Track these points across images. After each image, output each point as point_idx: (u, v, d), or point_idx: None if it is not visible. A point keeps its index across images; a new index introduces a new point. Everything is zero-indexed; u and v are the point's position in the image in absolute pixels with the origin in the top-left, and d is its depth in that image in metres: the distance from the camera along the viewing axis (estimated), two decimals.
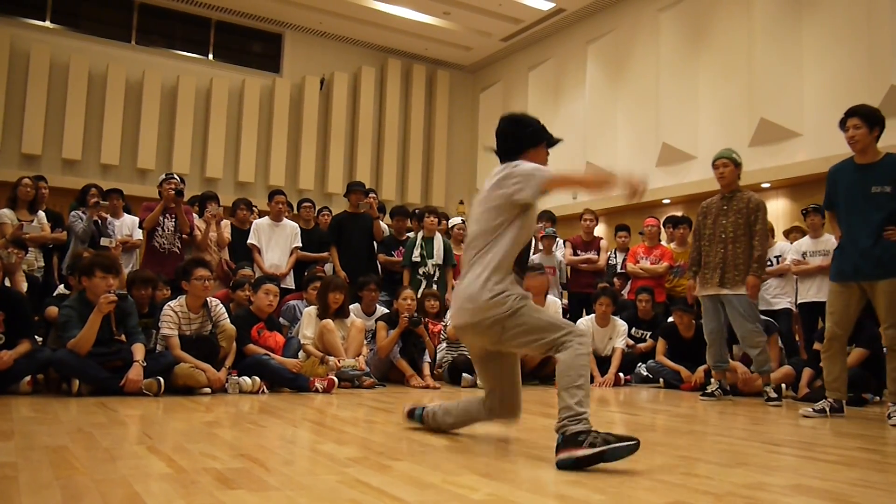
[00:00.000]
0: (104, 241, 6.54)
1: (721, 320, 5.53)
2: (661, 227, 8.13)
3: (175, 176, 6.85)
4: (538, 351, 2.90)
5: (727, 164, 5.42)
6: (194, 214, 7.21)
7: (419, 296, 6.66)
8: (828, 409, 4.51)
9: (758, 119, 9.13)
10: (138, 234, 7.07)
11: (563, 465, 2.53)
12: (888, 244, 4.30)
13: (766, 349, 5.44)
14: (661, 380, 6.67)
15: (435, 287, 7.13)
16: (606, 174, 2.91)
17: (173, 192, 6.58)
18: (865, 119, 4.37)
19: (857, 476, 2.60)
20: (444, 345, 6.51)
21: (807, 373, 5.82)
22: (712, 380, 5.68)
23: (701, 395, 5.62)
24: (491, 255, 2.89)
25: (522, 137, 3.05)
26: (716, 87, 10.02)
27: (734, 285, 5.35)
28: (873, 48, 8.05)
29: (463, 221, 7.78)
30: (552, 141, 3.12)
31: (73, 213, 6.97)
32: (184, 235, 6.76)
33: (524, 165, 2.90)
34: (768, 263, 7.19)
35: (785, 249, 7.05)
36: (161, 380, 4.57)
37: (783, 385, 5.94)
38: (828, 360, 4.57)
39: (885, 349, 4.42)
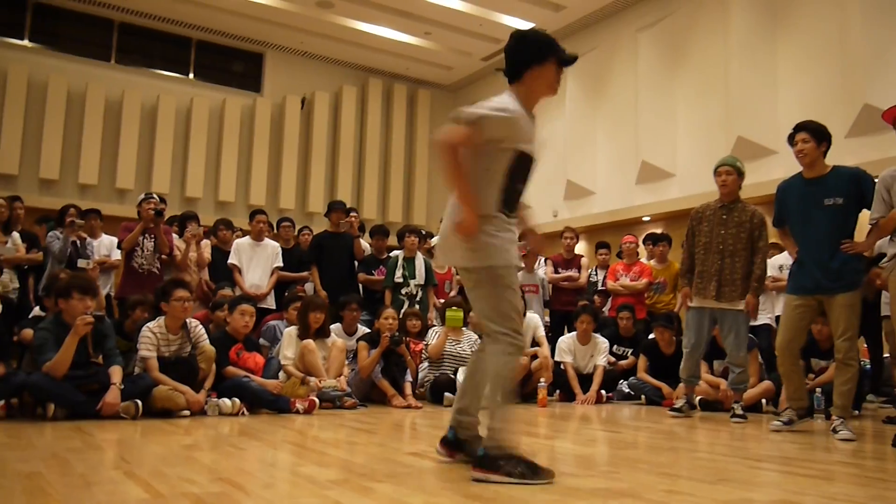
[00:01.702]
0: (81, 263, 6.46)
1: (704, 334, 5.47)
2: (641, 244, 8.17)
3: (154, 196, 6.80)
4: (478, 319, 2.88)
5: (731, 173, 5.30)
6: (174, 234, 7.16)
7: (401, 315, 6.64)
8: (791, 421, 4.58)
9: (735, 137, 9.24)
10: (116, 255, 7.00)
11: (477, 481, 2.62)
12: (845, 257, 4.38)
13: (747, 368, 5.46)
14: (643, 396, 6.69)
15: (417, 307, 7.11)
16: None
17: (153, 212, 6.52)
18: (813, 134, 4.48)
19: (838, 490, 2.61)
20: (425, 364, 6.49)
21: None
22: (682, 395, 5.68)
23: (669, 410, 5.63)
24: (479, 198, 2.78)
25: (526, 53, 2.87)
26: (693, 106, 10.15)
27: (732, 300, 5.25)
28: (846, 67, 8.20)
29: None
30: (564, 57, 2.89)
31: (50, 233, 6.89)
32: (163, 256, 6.69)
33: (485, 103, 2.78)
34: None
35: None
36: (139, 403, 4.50)
37: (763, 400, 5.97)
38: (785, 374, 4.65)
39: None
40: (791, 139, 4.58)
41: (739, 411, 5.30)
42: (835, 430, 4.27)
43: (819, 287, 4.44)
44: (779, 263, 6.83)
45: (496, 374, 2.74)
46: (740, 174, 5.35)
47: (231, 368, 5.20)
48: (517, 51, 2.90)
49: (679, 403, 5.59)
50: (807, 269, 4.50)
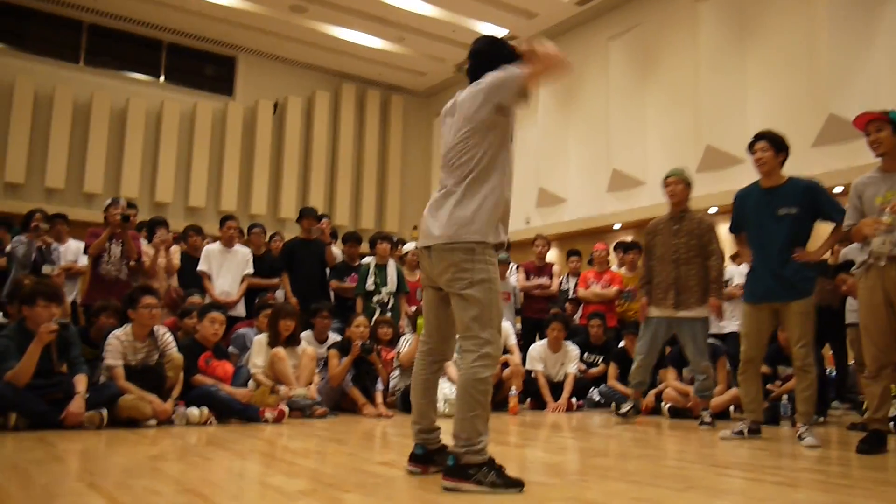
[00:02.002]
0: (46, 269, 6.34)
1: (657, 344, 5.53)
2: (612, 251, 8.22)
3: (122, 200, 6.70)
4: (458, 324, 2.86)
5: (679, 182, 5.45)
6: (143, 240, 7.06)
7: (372, 323, 6.62)
8: (745, 431, 4.62)
9: (704, 146, 9.36)
10: (83, 261, 6.88)
11: (448, 490, 2.63)
12: (797, 266, 4.46)
13: (712, 375, 5.51)
14: (614, 404, 6.70)
15: (389, 315, 7.09)
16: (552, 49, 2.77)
17: (119, 217, 6.42)
18: (772, 143, 4.57)
19: (803, 497, 2.65)
20: (397, 372, 6.46)
21: None
22: (631, 399, 5.73)
23: (616, 414, 5.69)
24: (486, 189, 2.83)
25: (499, 56, 2.93)
26: (664, 115, 10.26)
27: (688, 307, 5.35)
28: (813, 78, 8.35)
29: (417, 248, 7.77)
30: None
31: (14, 238, 6.76)
32: (131, 263, 6.58)
33: (492, 74, 2.84)
34: None
35: (732, 273, 7.20)
36: (104, 412, 4.42)
37: (731, 407, 6.03)
38: (744, 383, 4.71)
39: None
40: (751, 147, 4.66)
41: (707, 419, 5.35)
42: (800, 437, 4.33)
43: (772, 294, 4.52)
44: (746, 271, 6.90)
45: (471, 383, 2.73)
46: (688, 184, 5.49)
47: (199, 377, 5.14)
48: (488, 55, 2.97)
49: (625, 408, 5.65)
50: (759, 277, 4.60)
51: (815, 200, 4.48)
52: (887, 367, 4.10)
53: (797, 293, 4.45)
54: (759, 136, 4.64)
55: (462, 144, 2.87)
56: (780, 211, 4.50)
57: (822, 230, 4.58)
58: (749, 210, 4.68)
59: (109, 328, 5.06)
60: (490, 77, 2.85)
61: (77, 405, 4.30)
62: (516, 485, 2.62)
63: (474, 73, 2.99)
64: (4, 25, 11.63)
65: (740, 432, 4.61)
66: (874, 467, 3.52)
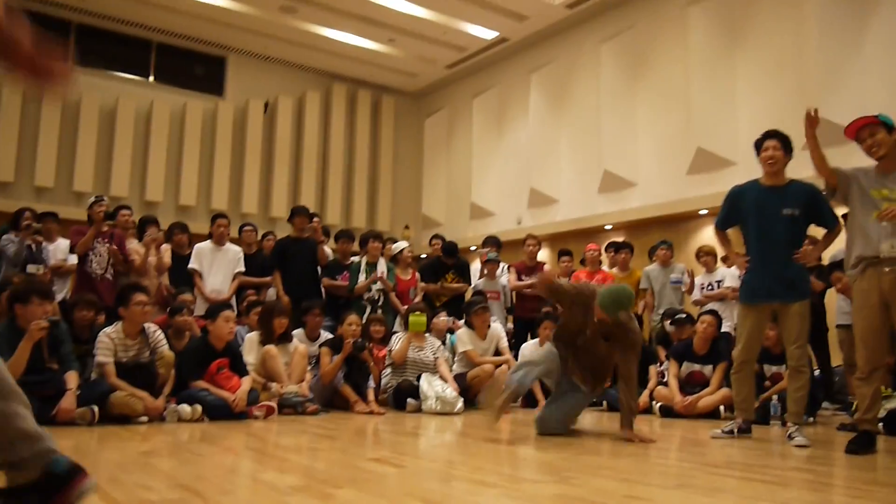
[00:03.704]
0: (31, 269, 6.30)
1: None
2: (603, 251, 8.26)
3: (105, 198, 6.67)
4: None
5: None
6: (134, 239, 7.04)
7: (364, 321, 6.62)
8: (736, 430, 4.61)
9: (694, 148, 9.40)
10: (73, 259, 6.85)
11: None
12: (798, 267, 4.48)
13: None
14: (605, 402, 6.75)
15: (380, 312, 7.10)
16: None
17: (102, 214, 6.38)
18: (783, 142, 4.56)
19: (793, 496, 2.66)
20: (388, 370, 6.47)
21: None
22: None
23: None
24: None
25: None
26: (654, 117, 10.31)
27: None
28: (802, 81, 8.40)
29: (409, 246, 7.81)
30: None
31: (4, 236, 6.72)
32: (116, 264, 6.53)
33: None
34: (709, 288, 7.39)
35: (724, 275, 7.24)
36: (95, 409, 4.41)
37: (721, 407, 6.06)
38: (737, 382, 4.69)
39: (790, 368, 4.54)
40: (759, 144, 4.61)
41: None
42: (790, 437, 4.35)
43: (773, 295, 4.51)
44: (738, 273, 6.94)
45: None
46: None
47: (199, 383, 5.04)
48: None
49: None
50: (759, 276, 4.56)
51: (816, 206, 4.49)
52: (879, 370, 4.11)
53: (798, 294, 4.45)
54: (771, 135, 4.60)
55: None
56: (784, 211, 4.48)
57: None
58: (748, 207, 4.62)
59: (88, 321, 5.05)
60: None
61: (68, 401, 4.29)
62: None
63: None
64: None
65: (731, 431, 4.61)
66: (863, 467, 3.55)
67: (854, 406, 5.55)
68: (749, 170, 8.77)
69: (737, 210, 4.70)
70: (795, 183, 4.58)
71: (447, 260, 8.03)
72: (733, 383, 4.75)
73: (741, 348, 4.65)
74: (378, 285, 7.23)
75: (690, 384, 6.24)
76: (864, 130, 4.17)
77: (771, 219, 4.53)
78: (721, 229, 4.86)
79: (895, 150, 4.11)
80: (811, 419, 5.81)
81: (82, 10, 11.92)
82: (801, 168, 4.75)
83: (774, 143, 4.55)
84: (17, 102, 11.16)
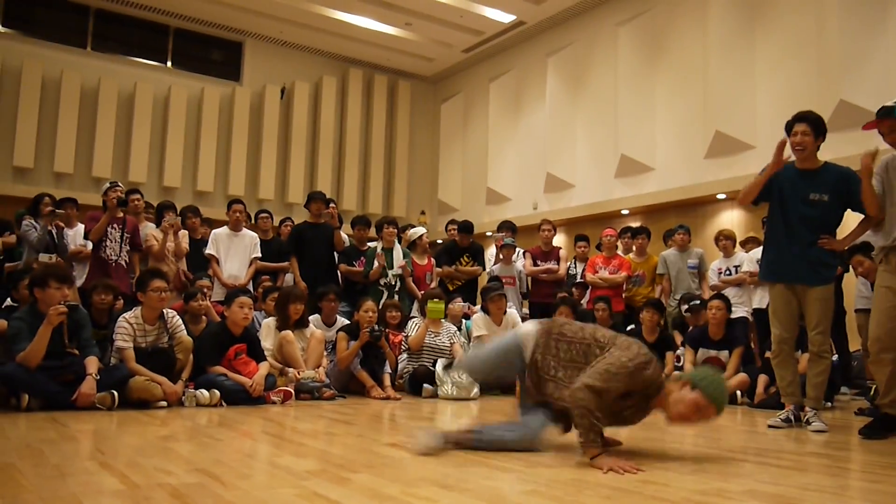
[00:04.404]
0: (43, 258, 6.33)
1: None
2: (619, 236, 8.21)
3: (119, 184, 6.71)
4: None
5: None
6: (151, 224, 7.09)
7: (380, 307, 6.64)
8: (793, 418, 4.46)
9: (713, 132, 9.31)
10: (90, 245, 6.91)
11: None
12: (820, 251, 4.37)
13: None
14: None
15: (396, 297, 7.11)
16: None
17: (115, 200, 6.43)
18: (813, 126, 4.37)
19: (809, 481, 2.65)
20: (405, 355, 6.49)
21: (762, 379, 5.93)
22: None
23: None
24: None
25: None
26: (672, 101, 10.21)
27: None
28: (823, 63, 8.28)
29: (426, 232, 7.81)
30: None
31: (25, 222, 6.79)
32: (134, 253, 6.60)
33: None
34: (727, 273, 7.33)
35: (743, 259, 7.18)
36: (115, 393, 4.46)
37: (738, 392, 6.03)
38: (779, 366, 4.57)
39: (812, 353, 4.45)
40: (789, 127, 4.45)
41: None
42: (808, 422, 4.32)
43: (795, 276, 4.42)
44: (757, 257, 6.88)
45: None
46: None
47: (217, 368, 5.07)
48: None
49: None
50: (783, 256, 4.47)
51: (848, 190, 4.32)
52: (888, 352, 4.04)
53: (820, 279, 4.36)
54: (800, 118, 4.41)
55: None
56: (811, 195, 4.36)
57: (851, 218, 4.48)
58: (781, 187, 4.48)
59: (107, 306, 5.12)
60: None
61: (88, 386, 4.34)
62: None
63: None
64: (12, 11, 11.63)
65: (787, 419, 4.46)
66: (881, 452, 3.53)
67: (872, 391, 5.51)
68: (768, 153, 8.69)
69: (768, 188, 4.54)
70: (828, 166, 4.43)
71: (462, 242, 8.03)
72: (775, 368, 4.61)
73: (776, 330, 4.52)
74: (396, 270, 7.24)
75: None
76: (882, 125, 4.09)
77: (797, 202, 4.41)
78: (754, 205, 4.73)
79: None
80: (829, 404, 5.76)
81: None
82: (822, 151, 4.58)
83: (804, 128, 4.36)
84: (35, 90, 11.25)
